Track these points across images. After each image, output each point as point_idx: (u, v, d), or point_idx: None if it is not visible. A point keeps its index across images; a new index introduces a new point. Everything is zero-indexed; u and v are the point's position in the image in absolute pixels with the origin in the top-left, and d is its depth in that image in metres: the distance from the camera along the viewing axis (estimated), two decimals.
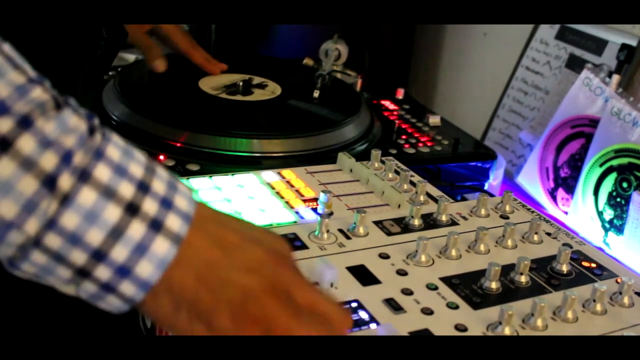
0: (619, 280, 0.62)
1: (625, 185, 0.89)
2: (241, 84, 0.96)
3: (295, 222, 0.67)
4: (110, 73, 0.99)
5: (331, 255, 0.60)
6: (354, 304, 0.54)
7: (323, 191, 0.69)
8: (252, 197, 0.71)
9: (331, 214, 0.68)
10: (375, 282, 0.58)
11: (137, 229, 0.38)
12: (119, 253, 0.37)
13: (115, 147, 0.38)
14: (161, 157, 0.78)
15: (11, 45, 0.37)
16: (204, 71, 0.99)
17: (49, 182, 0.35)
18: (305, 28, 1.25)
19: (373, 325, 0.52)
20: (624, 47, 0.97)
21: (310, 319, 0.43)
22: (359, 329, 0.52)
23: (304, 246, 0.61)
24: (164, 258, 0.39)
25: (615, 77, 0.96)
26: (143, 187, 0.38)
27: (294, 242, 0.62)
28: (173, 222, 0.39)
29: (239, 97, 0.93)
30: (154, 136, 0.81)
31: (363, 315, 0.53)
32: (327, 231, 0.63)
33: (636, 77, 0.97)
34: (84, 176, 0.36)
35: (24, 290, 0.63)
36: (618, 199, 0.90)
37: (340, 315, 0.46)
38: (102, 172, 0.37)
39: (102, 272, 0.38)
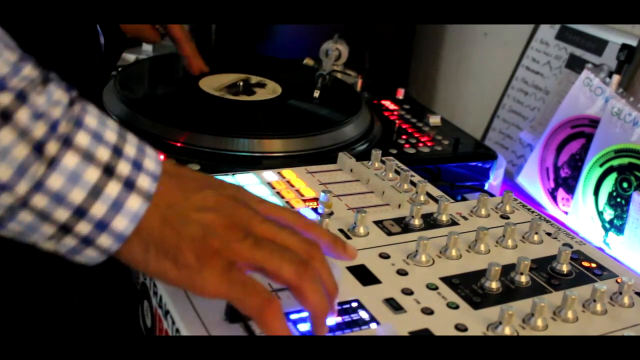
0: (619, 280, 0.62)
1: (625, 185, 0.89)
2: (241, 84, 0.96)
3: None
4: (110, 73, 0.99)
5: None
6: (354, 304, 0.54)
7: (323, 191, 0.69)
8: None
9: (331, 213, 0.69)
10: (375, 282, 0.58)
11: (113, 188, 0.42)
12: (98, 209, 0.42)
13: (92, 115, 0.43)
14: (161, 156, 0.78)
15: None
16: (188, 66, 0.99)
17: (38, 148, 0.40)
18: (306, 28, 1.25)
19: (373, 325, 0.52)
20: (624, 47, 0.97)
21: (272, 248, 0.46)
22: (359, 328, 0.52)
23: None
24: (137, 212, 0.43)
25: (616, 77, 0.96)
26: (117, 151, 0.43)
27: None
28: (144, 181, 0.44)
29: (239, 97, 0.93)
30: (154, 136, 0.81)
31: (363, 315, 0.53)
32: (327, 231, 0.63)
33: (636, 77, 0.97)
34: (67, 142, 0.41)
35: (27, 291, 0.63)
36: (618, 199, 0.90)
37: (304, 243, 0.48)
38: (82, 139, 0.42)
39: (83, 227, 0.42)
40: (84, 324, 0.64)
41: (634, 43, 0.98)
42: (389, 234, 0.65)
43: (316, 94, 0.97)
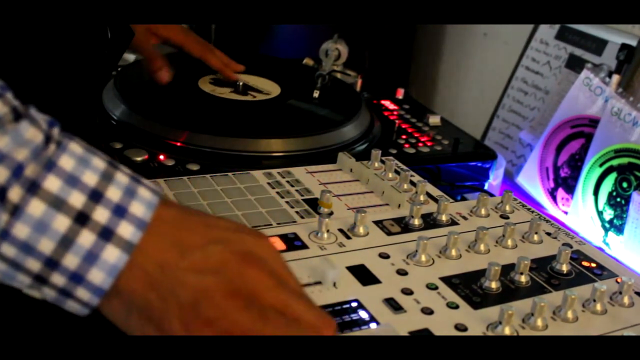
0: (618, 280, 0.62)
1: (625, 185, 0.89)
2: (241, 84, 0.96)
3: (295, 221, 0.67)
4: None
5: (331, 255, 0.60)
6: (354, 304, 0.54)
7: (323, 191, 0.69)
8: (252, 197, 0.71)
9: (331, 213, 0.69)
10: (375, 281, 0.58)
11: (86, 238, 0.39)
12: (70, 261, 0.39)
13: (70, 156, 0.39)
14: (161, 156, 0.78)
15: None
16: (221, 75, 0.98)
17: (1, 195, 0.37)
18: (305, 28, 1.25)
19: (373, 325, 0.52)
20: (623, 47, 0.97)
21: (279, 322, 0.42)
22: (359, 328, 0.52)
23: (304, 246, 0.61)
24: (115, 265, 0.39)
25: (615, 77, 0.96)
26: (95, 196, 0.39)
27: (294, 241, 0.62)
28: (125, 230, 0.39)
29: (239, 97, 0.93)
30: (154, 136, 0.81)
31: (363, 315, 0.53)
32: (327, 231, 0.63)
33: (636, 77, 0.97)
34: (33, 188, 0.38)
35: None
36: (618, 199, 0.90)
37: (319, 318, 0.44)
38: (51, 183, 0.38)
39: (57, 279, 0.39)
40: (83, 323, 0.64)
41: (633, 43, 0.98)
42: (389, 233, 0.65)
43: (316, 94, 0.97)
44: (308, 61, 1.14)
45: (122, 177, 0.41)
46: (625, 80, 0.97)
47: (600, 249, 0.74)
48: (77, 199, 0.39)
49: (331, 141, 0.87)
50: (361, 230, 0.64)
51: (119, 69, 0.98)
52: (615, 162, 0.90)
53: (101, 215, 0.39)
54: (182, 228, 0.42)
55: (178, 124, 0.82)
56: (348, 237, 0.64)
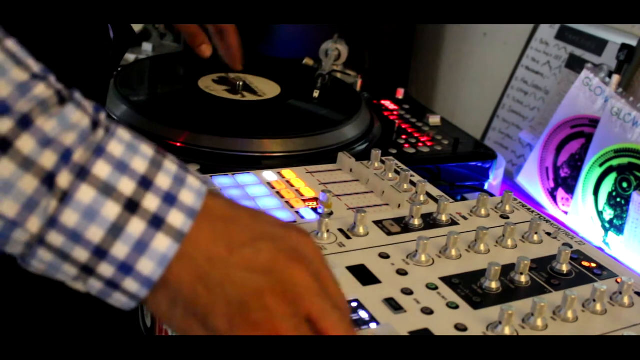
0: (619, 280, 0.62)
1: (625, 185, 0.89)
2: (240, 84, 0.96)
3: (295, 222, 0.67)
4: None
5: (331, 255, 0.60)
6: (354, 304, 0.54)
7: (323, 191, 0.69)
8: (252, 197, 0.71)
9: (331, 213, 0.69)
10: (375, 281, 0.58)
11: (137, 226, 0.37)
12: (120, 250, 0.37)
13: (119, 142, 0.38)
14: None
15: (16, 41, 0.37)
16: (226, 63, 0.95)
17: (48, 180, 0.35)
18: (305, 28, 1.25)
19: (373, 325, 0.52)
20: (624, 47, 0.97)
21: (308, 332, 0.42)
22: (359, 328, 0.52)
23: None
24: (165, 255, 0.38)
25: (615, 77, 0.96)
26: (145, 183, 0.38)
27: None
28: (175, 218, 0.38)
29: (239, 97, 0.93)
30: (154, 136, 0.81)
31: (363, 315, 0.53)
32: (327, 231, 0.63)
33: (636, 77, 0.97)
34: (82, 173, 0.36)
35: (27, 291, 0.63)
36: (618, 199, 0.90)
37: (343, 332, 0.43)
38: (101, 169, 0.37)
39: (105, 269, 0.38)
40: (85, 324, 0.64)
41: (633, 43, 0.98)
42: (389, 233, 0.65)
43: (316, 94, 0.97)
44: (308, 61, 1.14)
45: (170, 165, 0.40)
46: (625, 80, 0.97)
47: (600, 249, 0.74)
48: (127, 186, 0.37)
49: (331, 141, 0.87)
50: (361, 230, 0.64)
51: (119, 69, 0.98)
52: (615, 162, 0.90)
53: (151, 202, 0.38)
54: (230, 221, 0.41)
55: (178, 124, 0.83)
56: (348, 237, 0.64)
